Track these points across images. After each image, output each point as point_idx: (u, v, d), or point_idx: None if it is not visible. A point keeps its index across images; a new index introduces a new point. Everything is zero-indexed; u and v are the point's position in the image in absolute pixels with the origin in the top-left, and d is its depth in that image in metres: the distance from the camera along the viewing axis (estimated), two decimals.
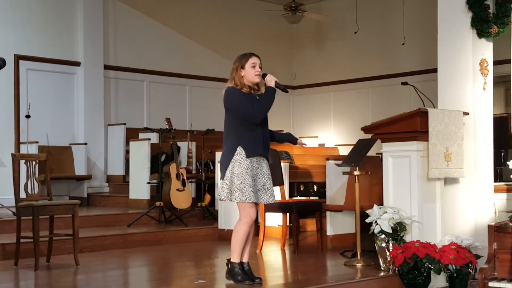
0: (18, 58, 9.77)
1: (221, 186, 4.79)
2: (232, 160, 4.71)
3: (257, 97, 4.79)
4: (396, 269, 5.26)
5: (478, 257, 5.28)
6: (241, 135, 4.72)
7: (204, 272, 5.76)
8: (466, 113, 5.83)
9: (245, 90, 4.76)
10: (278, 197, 7.19)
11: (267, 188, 4.79)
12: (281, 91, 4.87)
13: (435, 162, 5.49)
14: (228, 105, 4.77)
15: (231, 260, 4.85)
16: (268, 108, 4.75)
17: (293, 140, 5.26)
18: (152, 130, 8.86)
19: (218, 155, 8.25)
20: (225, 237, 7.56)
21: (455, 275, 5.21)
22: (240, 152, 4.71)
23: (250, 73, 4.75)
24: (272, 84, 4.78)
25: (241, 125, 4.73)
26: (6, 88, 9.65)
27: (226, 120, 4.83)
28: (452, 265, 5.18)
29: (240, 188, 4.67)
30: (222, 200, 4.80)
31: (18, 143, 9.59)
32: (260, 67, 4.80)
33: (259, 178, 4.77)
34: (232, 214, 7.53)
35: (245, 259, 4.91)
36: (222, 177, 4.77)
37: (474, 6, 5.88)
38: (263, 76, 4.80)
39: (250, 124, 4.72)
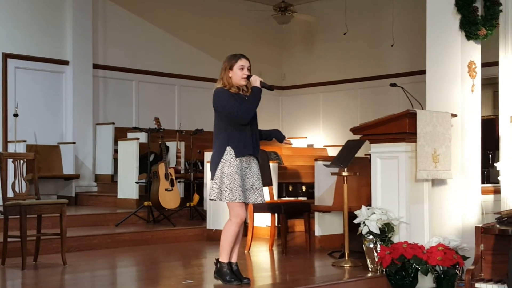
0: (6, 56, 9.72)
1: (211, 186, 4.82)
2: (222, 160, 4.75)
3: (246, 98, 4.83)
4: (384, 270, 5.28)
5: (465, 258, 5.31)
6: (230, 135, 4.76)
7: (192, 272, 5.75)
8: (454, 115, 5.86)
9: (233, 90, 4.81)
10: (266, 198, 7.20)
11: (256, 188, 4.82)
12: (267, 90, 4.92)
13: (423, 163, 5.51)
14: (216, 106, 4.81)
15: (220, 260, 4.86)
16: (254, 108, 4.78)
17: (279, 138, 5.18)
18: (140, 130, 8.84)
19: (207, 155, 8.25)
20: (214, 237, 7.55)
21: (442, 276, 5.23)
22: (229, 152, 4.75)
23: (237, 75, 4.80)
24: (257, 84, 4.81)
25: (230, 125, 4.77)
26: None
27: (216, 121, 4.86)
28: (440, 266, 5.20)
29: (230, 188, 4.70)
30: (213, 200, 4.83)
31: (5, 142, 9.54)
32: (249, 69, 4.84)
33: (248, 178, 4.80)
34: (221, 214, 7.53)
35: (233, 259, 4.92)
36: (212, 177, 4.80)
37: (463, 9, 5.91)
38: (248, 78, 4.83)
39: (239, 124, 4.75)
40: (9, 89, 9.72)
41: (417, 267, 5.17)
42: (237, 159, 4.74)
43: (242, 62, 4.81)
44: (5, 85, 9.70)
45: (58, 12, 10.33)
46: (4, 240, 5.81)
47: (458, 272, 5.26)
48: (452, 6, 5.97)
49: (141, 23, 11.49)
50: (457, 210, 5.88)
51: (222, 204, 7.57)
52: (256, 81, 4.82)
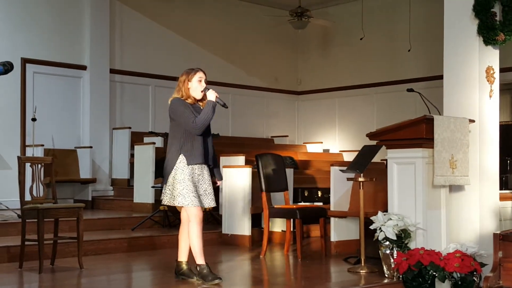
0: (25, 61, 9.80)
1: (164, 191, 5.12)
2: (175, 167, 5.05)
3: (201, 108, 5.16)
4: (400, 276, 5.25)
5: (483, 265, 5.26)
6: (183, 144, 5.07)
7: None
8: (472, 121, 5.82)
9: (189, 101, 5.16)
10: (282, 203, 7.20)
11: (208, 193, 5.17)
12: (221, 106, 5.19)
13: (440, 169, 5.48)
14: (172, 115, 5.15)
15: (198, 263, 5.14)
16: (209, 120, 5.09)
17: (217, 176, 5.40)
18: (157, 134, 8.87)
19: (223, 160, 8.26)
20: (229, 241, 7.56)
21: (459, 283, 5.19)
22: (182, 160, 5.05)
23: (196, 87, 5.16)
24: (213, 99, 5.10)
25: (184, 134, 5.08)
26: (13, 91, 9.67)
27: (171, 129, 5.18)
28: (457, 273, 5.16)
29: (183, 194, 5.00)
30: (164, 204, 5.13)
31: (24, 146, 9.62)
32: (205, 82, 5.19)
33: (201, 184, 5.12)
34: (236, 219, 7.54)
35: (184, 258, 5.25)
36: (165, 183, 5.09)
37: (481, 13, 5.88)
38: (205, 90, 5.14)
39: (192, 134, 5.05)
40: (28, 93, 9.81)
41: (434, 273, 5.14)
42: (189, 166, 5.03)
43: (200, 74, 5.21)
44: (24, 89, 9.78)
45: (76, 18, 10.41)
46: (22, 244, 5.85)
47: (475, 279, 5.22)
48: (470, 11, 5.94)
49: (157, 28, 11.55)
50: (474, 216, 5.83)
51: (238, 209, 7.60)
52: (212, 95, 5.12)
